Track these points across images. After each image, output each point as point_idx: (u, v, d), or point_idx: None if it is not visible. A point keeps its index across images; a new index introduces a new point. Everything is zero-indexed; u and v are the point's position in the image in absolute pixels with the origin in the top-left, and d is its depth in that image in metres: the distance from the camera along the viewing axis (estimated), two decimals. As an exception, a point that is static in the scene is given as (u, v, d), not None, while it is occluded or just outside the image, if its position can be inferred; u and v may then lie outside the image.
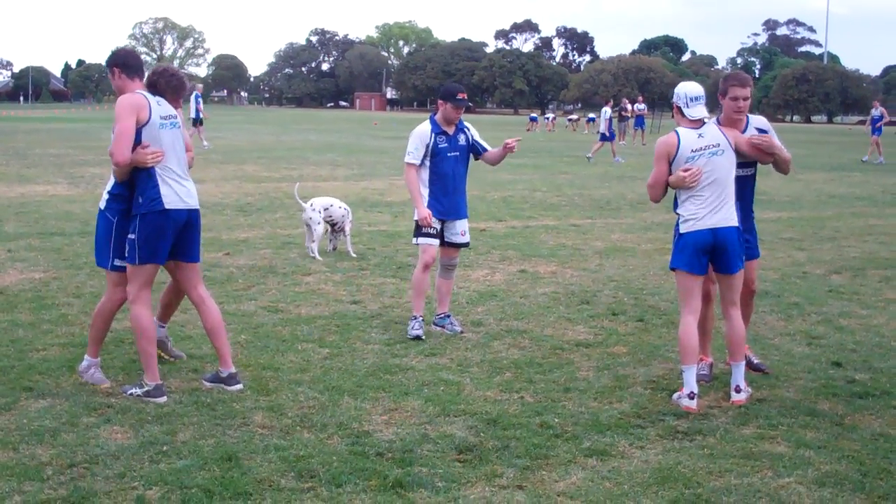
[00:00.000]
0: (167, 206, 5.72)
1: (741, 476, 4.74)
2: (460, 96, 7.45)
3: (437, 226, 7.44)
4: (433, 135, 7.43)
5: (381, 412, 5.62)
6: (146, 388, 5.72)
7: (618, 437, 5.26)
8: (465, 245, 7.75)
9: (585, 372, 6.53)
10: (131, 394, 5.74)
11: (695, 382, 5.86)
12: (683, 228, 5.97)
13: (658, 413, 5.68)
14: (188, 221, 5.87)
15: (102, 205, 5.96)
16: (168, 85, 5.97)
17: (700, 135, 5.93)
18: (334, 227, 11.03)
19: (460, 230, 7.61)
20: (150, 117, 5.69)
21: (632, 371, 6.58)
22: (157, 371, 5.79)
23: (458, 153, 7.51)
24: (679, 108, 6.03)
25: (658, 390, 6.14)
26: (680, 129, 6.01)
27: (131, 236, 5.72)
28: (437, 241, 7.49)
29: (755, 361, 6.64)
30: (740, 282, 6.14)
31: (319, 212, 10.81)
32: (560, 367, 6.61)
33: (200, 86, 38.96)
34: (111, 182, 5.92)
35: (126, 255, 5.79)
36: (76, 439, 5.03)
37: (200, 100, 32.13)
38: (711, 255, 5.96)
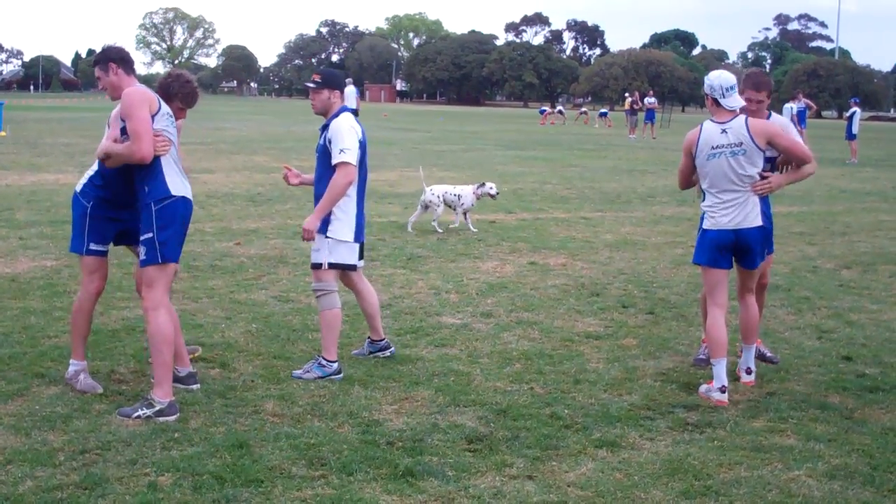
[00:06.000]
0: (174, 193, 5.34)
1: (751, 468, 4.74)
2: (312, 77, 6.24)
3: None
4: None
5: (392, 401, 5.63)
6: (158, 408, 5.19)
7: (628, 428, 5.27)
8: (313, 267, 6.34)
9: (595, 364, 6.53)
10: (138, 416, 5.14)
11: (725, 376, 5.81)
12: (706, 225, 5.93)
13: (668, 405, 5.69)
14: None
15: (78, 188, 5.65)
16: (182, 91, 5.76)
17: (723, 130, 5.79)
18: (452, 208, 12.67)
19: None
20: (160, 108, 5.35)
21: (642, 363, 6.58)
22: (170, 387, 5.30)
23: (317, 153, 6.27)
24: (715, 100, 5.84)
25: (668, 382, 6.14)
26: (706, 123, 5.92)
27: (148, 235, 5.28)
28: None
29: (767, 354, 6.66)
30: (758, 272, 6.17)
31: (439, 196, 12.45)
32: (570, 359, 6.62)
33: (351, 80, 38.82)
34: (94, 168, 5.64)
35: (145, 255, 5.30)
36: (88, 426, 5.05)
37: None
38: (733, 251, 5.95)
